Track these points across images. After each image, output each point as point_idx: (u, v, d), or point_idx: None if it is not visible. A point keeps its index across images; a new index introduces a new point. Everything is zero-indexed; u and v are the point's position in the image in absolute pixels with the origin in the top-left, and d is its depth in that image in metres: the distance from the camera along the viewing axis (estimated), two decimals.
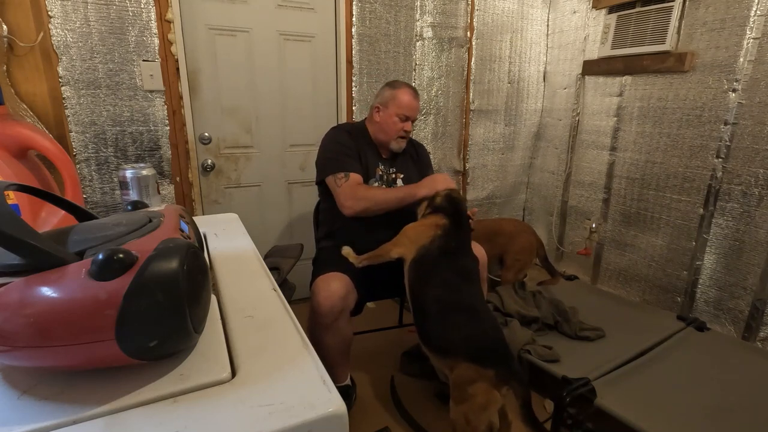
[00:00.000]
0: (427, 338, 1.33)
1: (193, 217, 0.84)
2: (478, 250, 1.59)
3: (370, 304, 2.37)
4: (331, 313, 1.38)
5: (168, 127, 1.94)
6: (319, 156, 1.63)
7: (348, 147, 1.60)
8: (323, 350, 1.44)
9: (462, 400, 1.22)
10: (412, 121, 1.65)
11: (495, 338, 1.26)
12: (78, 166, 1.80)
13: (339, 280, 1.42)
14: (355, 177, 1.54)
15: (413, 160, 1.79)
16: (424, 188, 1.49)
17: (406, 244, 1.38)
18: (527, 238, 2.20)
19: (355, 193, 1.50)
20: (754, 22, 1.81)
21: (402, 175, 1.72)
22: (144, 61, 1.83)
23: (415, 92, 1.65)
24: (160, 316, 0.44)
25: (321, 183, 1.64)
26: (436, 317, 1.29)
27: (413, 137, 2.50)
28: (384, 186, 1.67)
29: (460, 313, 1.27)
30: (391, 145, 1.66)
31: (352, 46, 2.27)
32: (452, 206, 1.42)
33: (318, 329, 1.42)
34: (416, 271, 1.34)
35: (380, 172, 1.67)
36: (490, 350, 1.23)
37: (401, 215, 1.53)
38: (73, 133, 1.77)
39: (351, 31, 2.25)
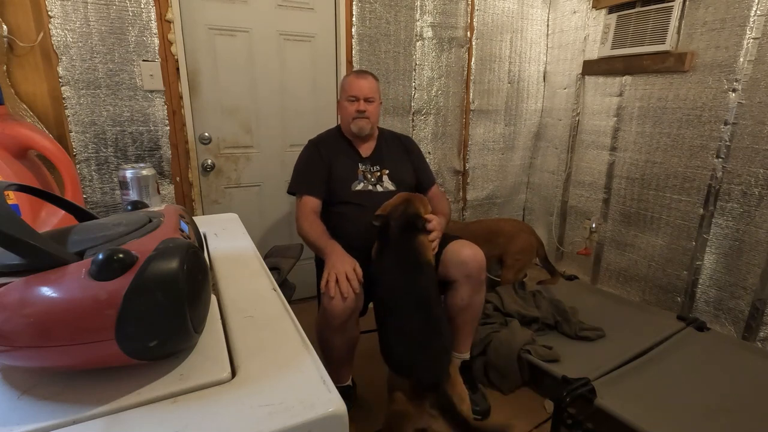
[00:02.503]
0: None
1: (193, 217, 0.84)
2: (475, 251, 1.56)
3: (370, 305, 2.37)
4: (343, 314, 1.37)
5: (168, 127, 1.94)
6: None
7: (310, 165, 1.65)
8: (331, 351, 1.45)
9: (388, 403, 1.26)
10: (368, 101, 1.62)
11: (416, 346, 1.24)
12: (78, 166, 1.80)
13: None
14: (306, 201, 1.61)
15: (400, 155, 1.77)
16: (327, 265, 1.42)
17: None
18: (527, 238, 2.20)
19: (299, 218, 1.60)
20: (754, 22, 1.81)
21: (387, 171, 1.70)
22: (144, 61, 1.83)
23: (361, 72, 1.67)
24: (160, 316, 0.44)
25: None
26: (381, 333, 1.36)
27: (411, 135, 2.51)
28: (370, 185, 1.65)
29: (392, 324, 1.32)
30: (351, 127, 1.66)
31: (352, 46, 2.27)
32: (383, 229, 1.47)
33: (328, 330, 1.41)
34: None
35: (361, 173, 1.66)
36: (403, 359, 1.25)
37: None
38: (73, 133, 1.77)
39: (351, 31, 2.24)
